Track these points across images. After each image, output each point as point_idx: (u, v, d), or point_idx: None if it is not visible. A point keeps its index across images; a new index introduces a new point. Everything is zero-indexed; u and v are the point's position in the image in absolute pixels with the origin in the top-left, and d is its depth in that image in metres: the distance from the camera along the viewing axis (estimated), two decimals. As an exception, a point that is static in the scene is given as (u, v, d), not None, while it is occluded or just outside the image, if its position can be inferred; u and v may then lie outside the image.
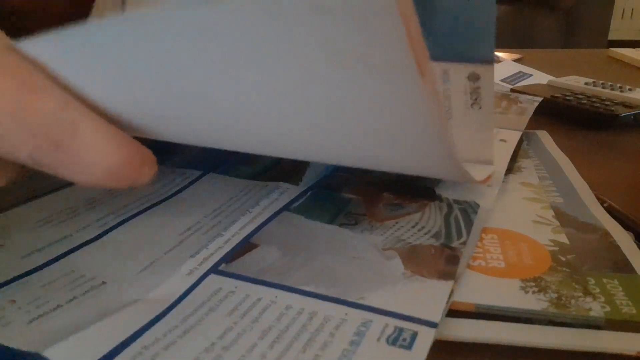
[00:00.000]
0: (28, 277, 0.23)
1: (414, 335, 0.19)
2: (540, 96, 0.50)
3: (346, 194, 0.31)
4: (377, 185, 0.32)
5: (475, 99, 0.32)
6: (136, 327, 0.20)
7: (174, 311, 0.21)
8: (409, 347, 0.19)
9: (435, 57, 0.32)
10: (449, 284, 0.22)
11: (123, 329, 0.20)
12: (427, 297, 0.21)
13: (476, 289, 0.23)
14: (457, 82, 0.32)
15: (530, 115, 0.43)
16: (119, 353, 0.18)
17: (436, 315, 0.20)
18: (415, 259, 0.24)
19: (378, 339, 0.19)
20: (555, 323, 0.21)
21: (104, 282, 0.23)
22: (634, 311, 0.21)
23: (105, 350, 0.19)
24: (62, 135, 0.17)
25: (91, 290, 0.22)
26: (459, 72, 0.32)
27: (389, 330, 0.20)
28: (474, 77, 0.32)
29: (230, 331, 0.20)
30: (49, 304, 0.21)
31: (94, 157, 0.18)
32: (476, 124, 0.33)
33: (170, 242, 0.26)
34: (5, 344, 0.19)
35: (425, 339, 0.19)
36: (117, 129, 0.18)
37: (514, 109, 0.44)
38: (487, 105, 0.32)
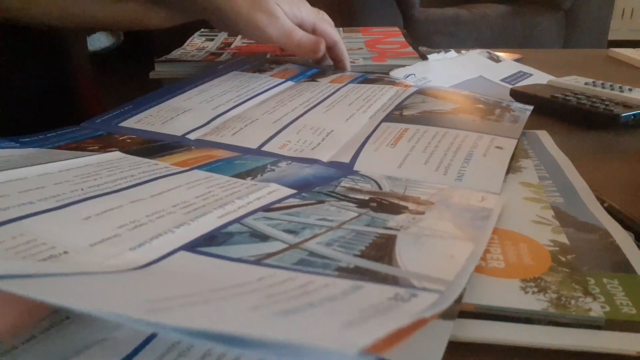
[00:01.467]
0: None
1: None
2: (540, 96, 0.51)
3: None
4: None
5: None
6: None
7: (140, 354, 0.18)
8: None
9: None
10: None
11: None
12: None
13: (476, 289, 0.23)
14: None
15: (524, 123, 0.43)
16: None
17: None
18: None
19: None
20: (555, 323, 0.21)
21: (67, 317, 0.20)
22: (634, 311, 0.21)
23: None
24: None
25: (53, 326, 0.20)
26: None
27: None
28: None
29: None
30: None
31: None
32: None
33: None
34: None
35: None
36: None
37: (507, 117, 0.44)
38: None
